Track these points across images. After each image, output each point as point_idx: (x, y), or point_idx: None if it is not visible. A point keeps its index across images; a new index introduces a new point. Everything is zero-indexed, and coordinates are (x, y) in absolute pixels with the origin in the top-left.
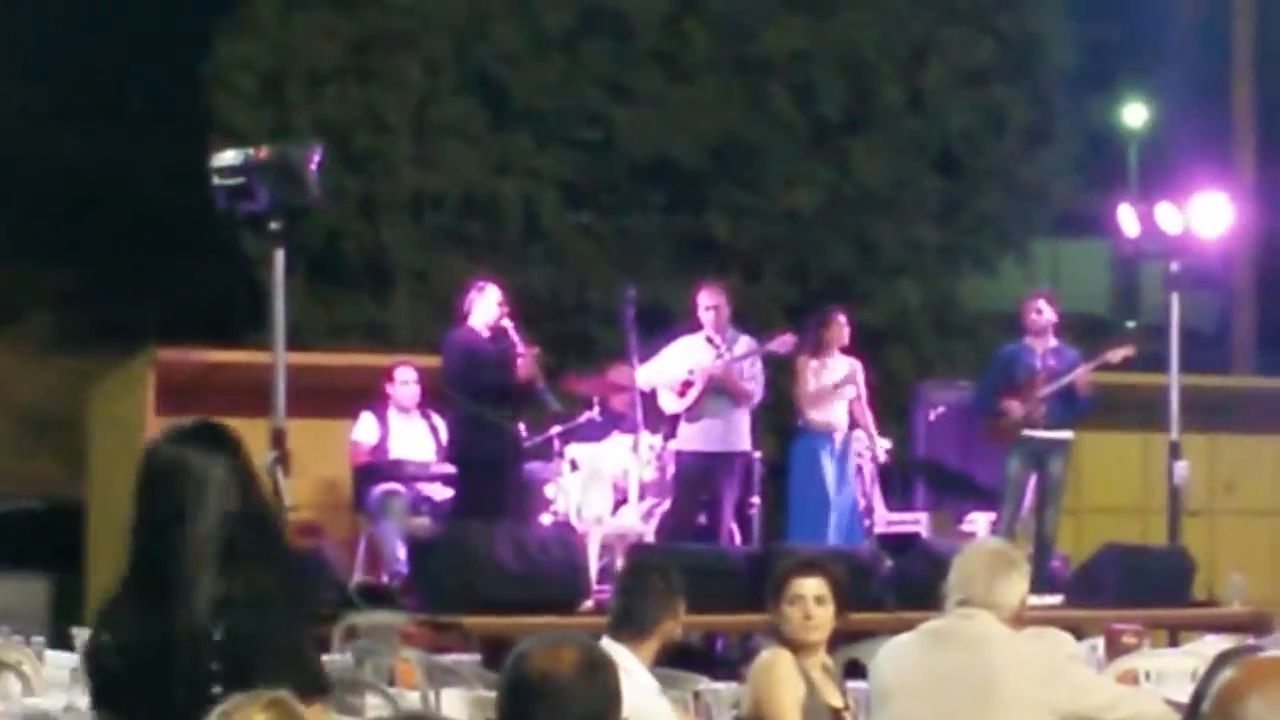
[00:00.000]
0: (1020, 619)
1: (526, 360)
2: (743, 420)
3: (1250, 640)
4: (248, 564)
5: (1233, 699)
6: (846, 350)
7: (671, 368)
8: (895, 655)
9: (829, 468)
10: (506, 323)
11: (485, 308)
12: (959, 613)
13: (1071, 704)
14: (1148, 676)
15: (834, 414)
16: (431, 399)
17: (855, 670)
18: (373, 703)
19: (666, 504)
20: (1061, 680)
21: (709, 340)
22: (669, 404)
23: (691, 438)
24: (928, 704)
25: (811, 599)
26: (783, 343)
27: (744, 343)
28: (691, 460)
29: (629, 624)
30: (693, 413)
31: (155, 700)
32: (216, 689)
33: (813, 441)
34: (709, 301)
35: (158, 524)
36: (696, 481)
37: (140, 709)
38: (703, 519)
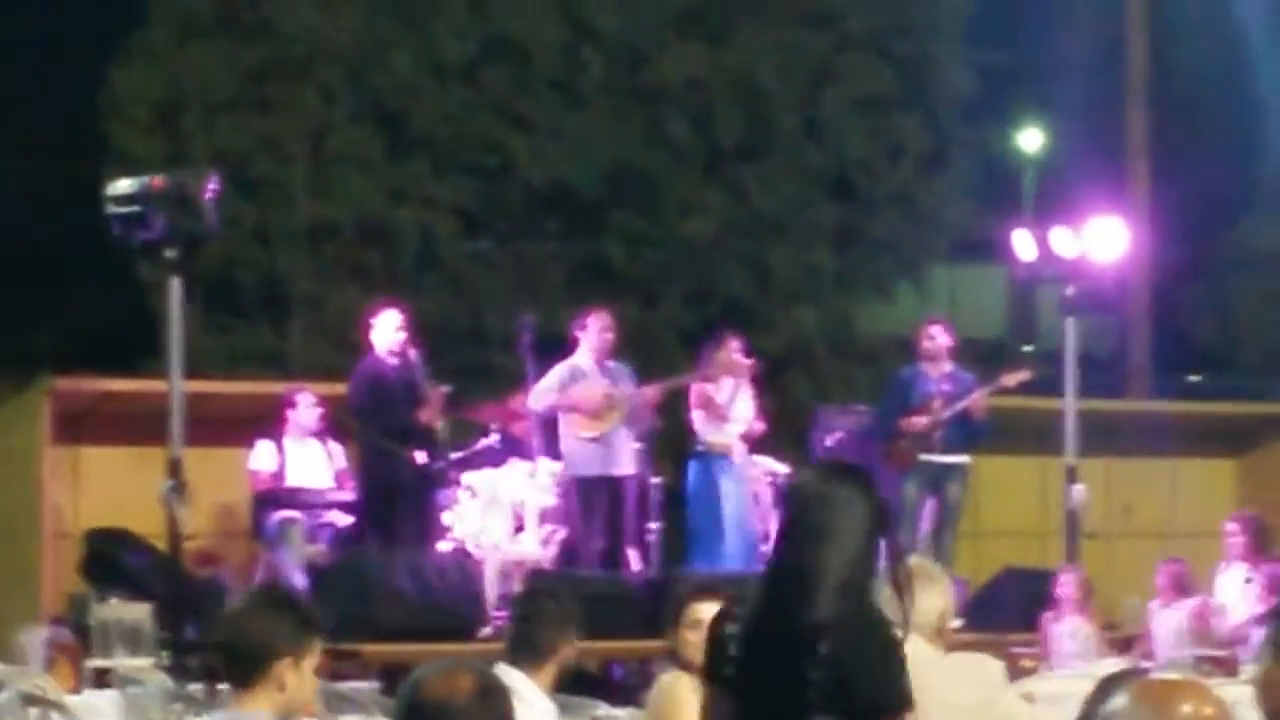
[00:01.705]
0: (945, 635)
1: (432, 405)
2: (630, 443)
3: (1140, 663)
4: (861, 591)
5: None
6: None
7: (586, 391)
8: None
9: (728, 490)
10: (413, 353)
11: (384, 332)
12: None
13: None
14: (1044, 700)
15: (726, 436)
16: (331, 426)
17: None
18: None
19: (564, 531)
20: (992, 710)
21: (598, 365)
22: (584, 428)
23: (589, 461)
24: None
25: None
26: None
27: (623, 371)
28: (589, 484)
29: (525, 650)
30: (593, 436)
31: (760, 691)
32: (811, 694)
33: (710, 464)
34: (604, 324)
35: (799, 542)
36: (594, 505)
37: (747, 695)
38: (600, 544)
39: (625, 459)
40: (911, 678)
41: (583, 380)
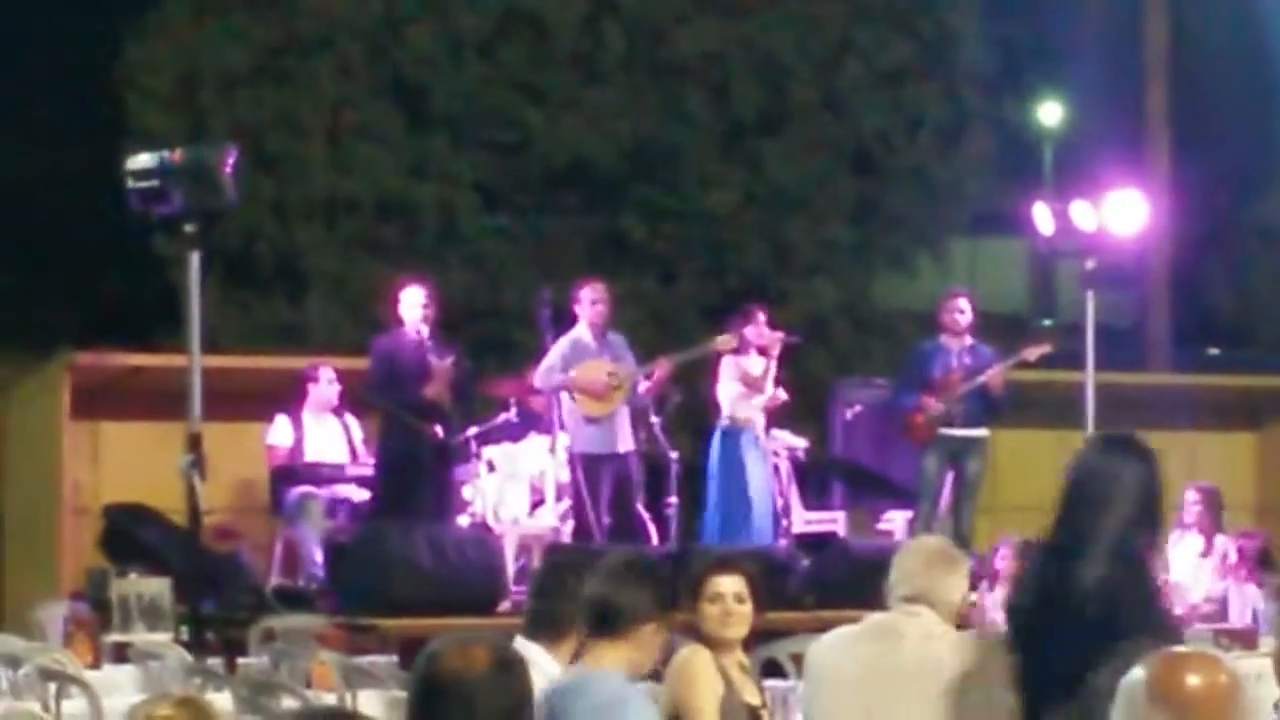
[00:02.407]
0: (962, 617)
1: (435, 379)
2: (627, 421)
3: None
4: (1133, 553)
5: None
6: (763, 350)
7: (591, 372)
8: (834, 647)
9: (753, 464)
10: (424, 328)
11: (408, 308)
12: (904, 609)
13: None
14: None
15: (753, 410)
16: (349, 401)
17: (771, 669)
18: (289, 705)
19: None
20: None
21: (595, 339)
22: (588, 409)
23: (591, 439)
24: (864, 696)
25: (731, 596)
26: (723, 342)
27: (620, 343)
28: (591, 461)
29: (545, 624)
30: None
31: (1041, 648)
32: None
33: (736, 438)
34: (595, 295)
35: (1081, 508)
36: (596, 481)
37: (1029, 650)
38: (606, 519)
39: (627, 435)
40: (926, 653)
41: (585, 357)
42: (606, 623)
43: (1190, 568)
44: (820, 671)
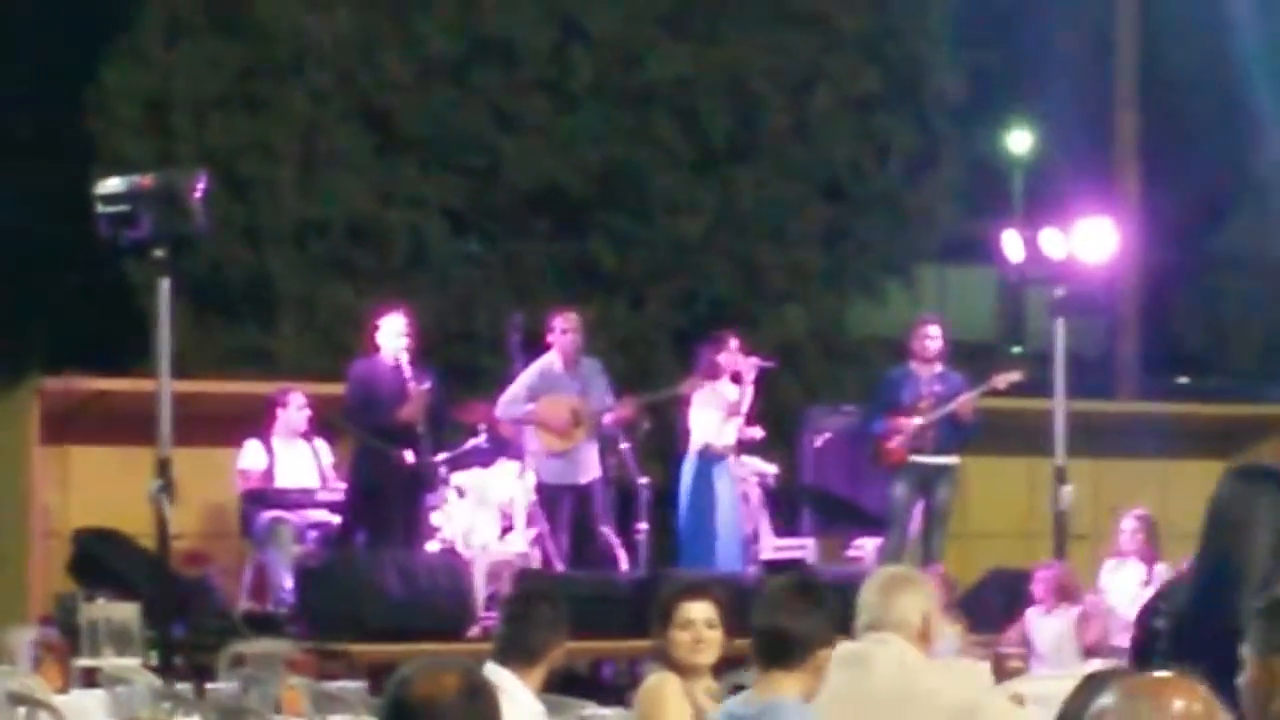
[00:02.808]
0: (927, 638)
1: (412, 402)
2: (592, 452)
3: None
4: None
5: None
6: (736, 377)
7: (553, 407)
8: None
9: (722, 491)
10: (404, 355)
11: (388, 337)
12: (871, 637)
13: None
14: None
15: (728, 437)
16: (319, 426)
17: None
18: None
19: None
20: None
21: (567, 368)
22: (550, 443)
23: (552, 471)
24: None
25: (702, 622)
26: (690, 384)
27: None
28: (554, 490)
29: (517, 651)
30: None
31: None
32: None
33: (708, 466)
34: (566, 325)
35: (1222, 540)
36: (558, 510)
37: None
38: (566, 547)
39: (591, 467)
40: (898, 680)
41: (554, 387)
42: (783, 653)
43: (1129, 596)
44: None
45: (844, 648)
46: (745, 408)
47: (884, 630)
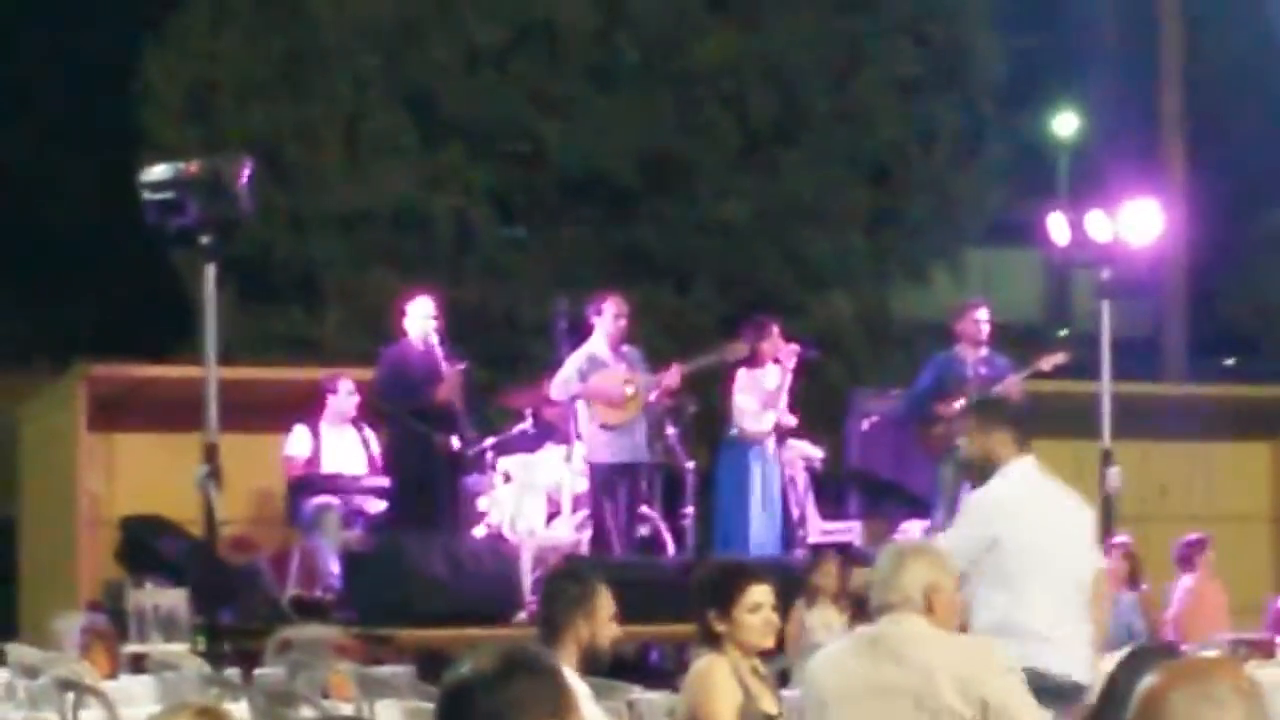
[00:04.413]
0: (934, 610)
1: (447, 382)
2: (644, 431)
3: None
4: None
5: (1160, 700)
6: (778, 363)
7: (607, 380)
8: (830, 663)
9: (758, 477)
10: (434, 338)
11: (417, 320)
12: (886, 618)
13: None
14: None
15: (766, 423)
16: (365, 412)
17: (787, 679)
18: (307, 716)
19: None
20: (984, 694)
21: (613, 351)
22: (606, 417)
23: (609, 449)
24: (856, 710)
25: (769, 605)
26: (733, 350)
27: (636, 355)
28: (608, 471)
29: (544, 629)
30: (614, 424)
31: None
32: None
33: (744, 451)
34: (619, 310)
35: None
36: (609, 492)
37: None
38: (621, 529)
39: (643, 446)
40: (915, 663)
41: (601, 368)
42: None
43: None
44: (812, 688)
45: (860, 631)
46: (785, 395)
47: (892, 609)
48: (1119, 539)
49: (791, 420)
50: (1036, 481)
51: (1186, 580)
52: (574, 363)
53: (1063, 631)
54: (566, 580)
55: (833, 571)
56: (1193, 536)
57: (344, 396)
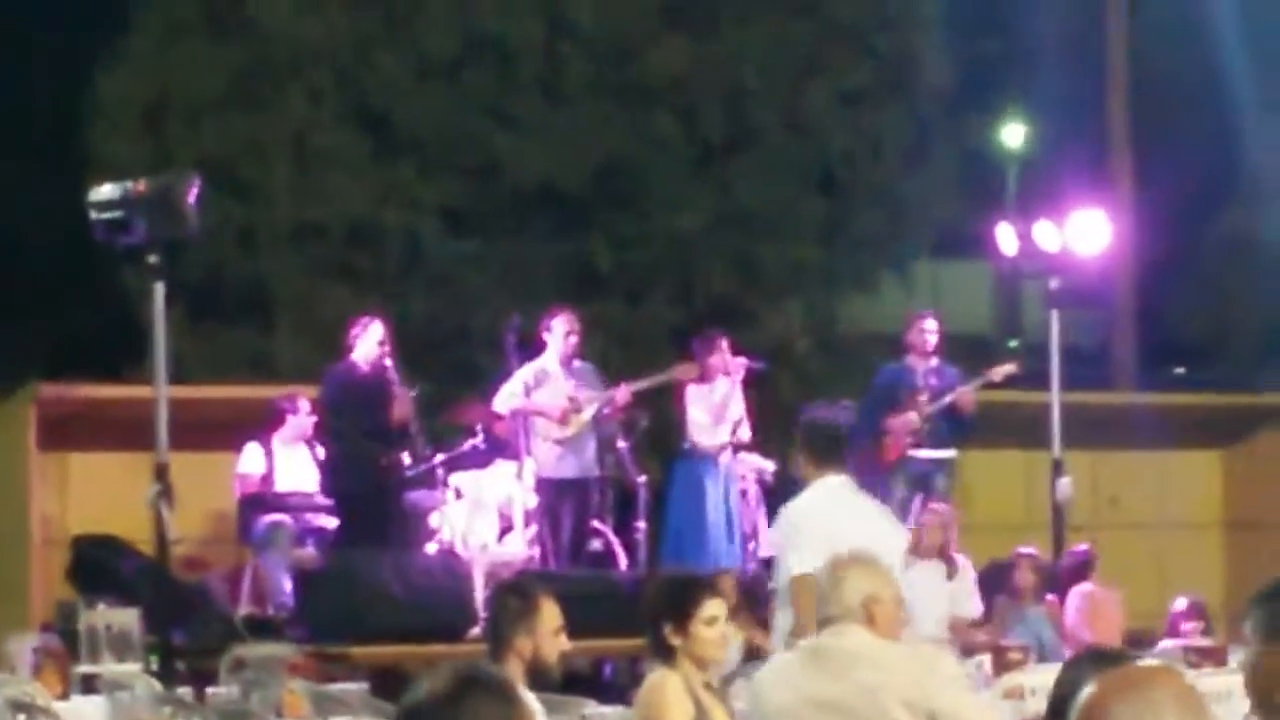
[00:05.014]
0: (874, 621)
1: (403, 402)
2: (592, 446)
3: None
4: None
5: (1099, 710)
6: (728, 374)
7: (550, 395)
8: (774, 677)
9: (711, 491)
10: (388, 362)
11: (367, 345)
12: (827, 631)
13: None
14: (1033, 692)
15: (720, 437)
16: (316, 430)
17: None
18: None
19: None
20: (931, 706)
21: (563, 366)
22: (550, 431)
23: (556, 464)
24: None
25: (723, 619)
26: (683, 370)
27: (589, 371)
28: (556, 486)
29: (490, 645)
30: (560, 439)
31: None
32: None
33: (696, 465)
34: (570, 326)
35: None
36: (559, 507)
37: None
38: (567, 544)
39: (591, 462)
40: (851, 672)
41: (546, 383)
42: None
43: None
44: (758, 702)
45: (805, 644)
46: (738, 408)
47: (833, 621)
48: (1025, 550)
49: (746, 435)
50: (829, 500)
51: (1083, 587)
52: (521, 377)
53: None
54: (509, 594)
55: (729, 588)
56: (1081, 548)
57: (303, 415)
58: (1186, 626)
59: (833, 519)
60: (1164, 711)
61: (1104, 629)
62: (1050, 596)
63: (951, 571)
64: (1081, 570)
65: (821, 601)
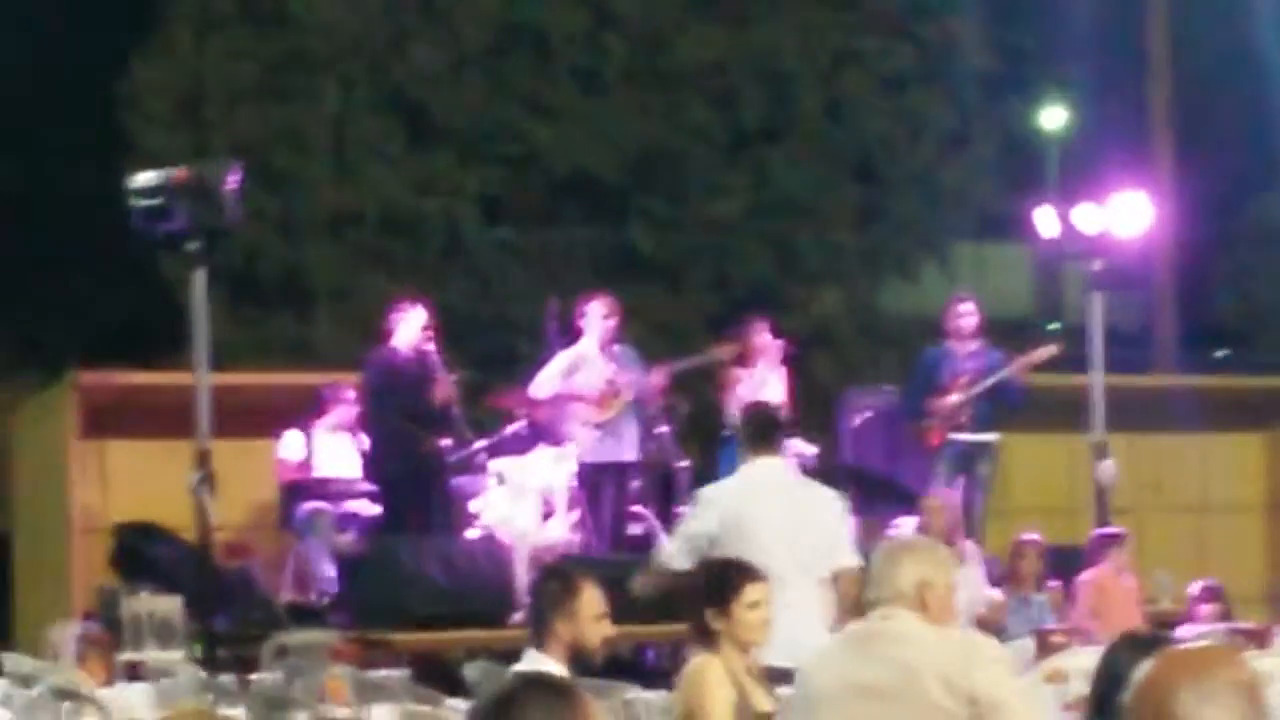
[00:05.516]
0: (927, 606)
1: (444, 385)
2: (633, 430)
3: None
4: None
5: (1162, 693)
6: (770, 359)
7: (588, 379)
8: (820, 662)
9: None
10: (430, 345)
11: (409, 329)
12: (877, 613)
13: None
14: (1075, 676)
15: None
16: (358, 416)
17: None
18: None
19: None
20: (971, 688)
21: (602, 351)
22: (589, 415)
23: (595, 448)
24: (843, 709)
25: (765, 603)
26: (721, 351)
27: (628, 355)
28: (595, 470)
29: (531, 630)
30: (600, 423)
31: None
32: None
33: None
34: (607, 310)
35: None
36: (599, 491)
37: None
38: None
39: (631, 446)
40: (904, 659)
41: (584, 367)
42: None
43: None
44: (802, 687)
45: (852, 628)
46: (780, 392)
47: (883, 604)
48: (1028, 536)
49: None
50: (757, 481)
51: (1086, 575)
52: (559, 361)
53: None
54: (550, 579)
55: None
56: (1106, 530)
57: (349, 405)
58: (1204, 610)
59: (745, 499)
60: (1226, 695)
61: (1113, 617)
62: (1053, 584)
63: (959, 559)
64: (1095, 555)
65: (873, 583)
